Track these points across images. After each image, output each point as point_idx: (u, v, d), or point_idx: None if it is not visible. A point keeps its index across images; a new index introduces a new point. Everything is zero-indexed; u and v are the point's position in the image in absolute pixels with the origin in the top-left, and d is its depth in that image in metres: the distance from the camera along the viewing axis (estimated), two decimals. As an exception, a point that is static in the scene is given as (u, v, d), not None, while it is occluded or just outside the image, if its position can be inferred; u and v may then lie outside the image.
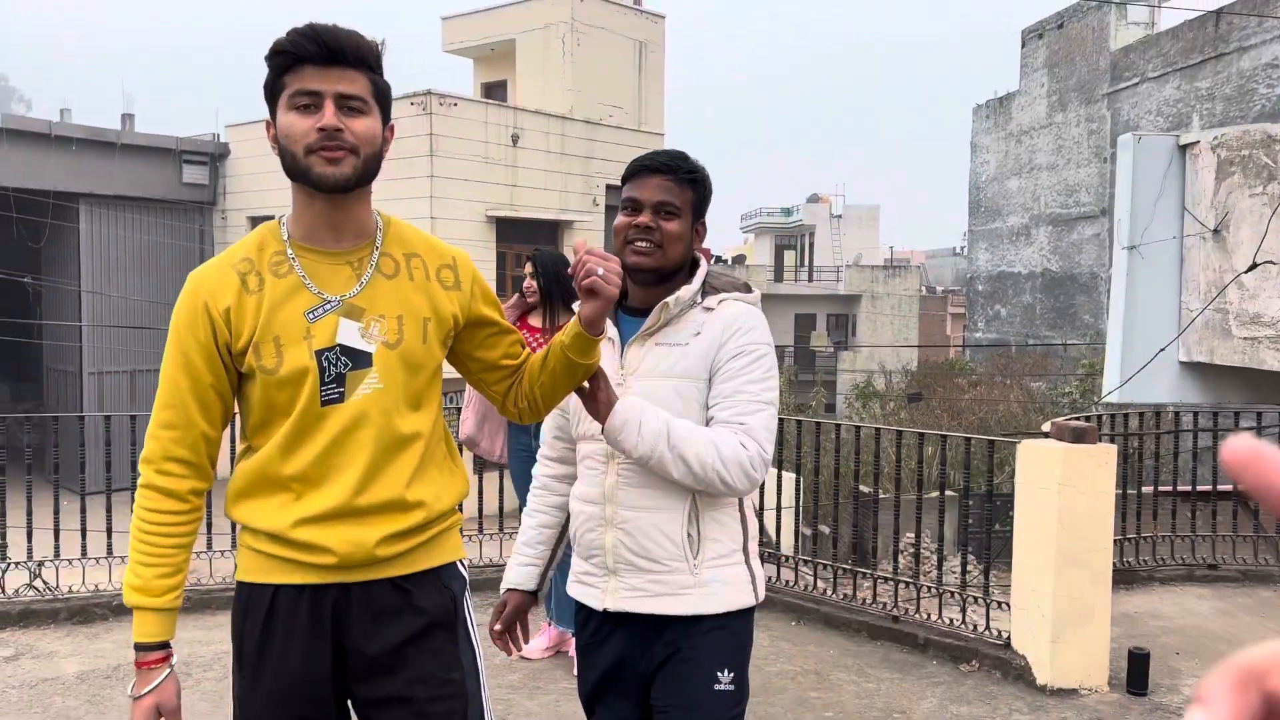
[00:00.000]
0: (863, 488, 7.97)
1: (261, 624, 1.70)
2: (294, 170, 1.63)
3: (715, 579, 1.99)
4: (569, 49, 19.32)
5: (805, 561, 5.71)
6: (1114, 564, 5.59)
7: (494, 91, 20.95)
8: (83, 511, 5.16)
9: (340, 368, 1.66)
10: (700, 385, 1.99)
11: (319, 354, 1.64)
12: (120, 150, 18.31)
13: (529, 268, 4.21)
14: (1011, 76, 24.83)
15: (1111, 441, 5.00)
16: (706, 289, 2.05)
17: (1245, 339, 5.57)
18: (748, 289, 2.11)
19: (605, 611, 2.02)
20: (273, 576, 1.70)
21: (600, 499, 2.02)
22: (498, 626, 2.17)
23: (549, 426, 2.23)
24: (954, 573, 6.47)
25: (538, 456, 2.30)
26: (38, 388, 20.41)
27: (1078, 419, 5.04)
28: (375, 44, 1.68)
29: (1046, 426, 4.46)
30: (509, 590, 2.21)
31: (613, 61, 19.98)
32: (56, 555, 5.13)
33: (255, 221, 19.58)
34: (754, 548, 2.08)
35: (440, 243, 1.84)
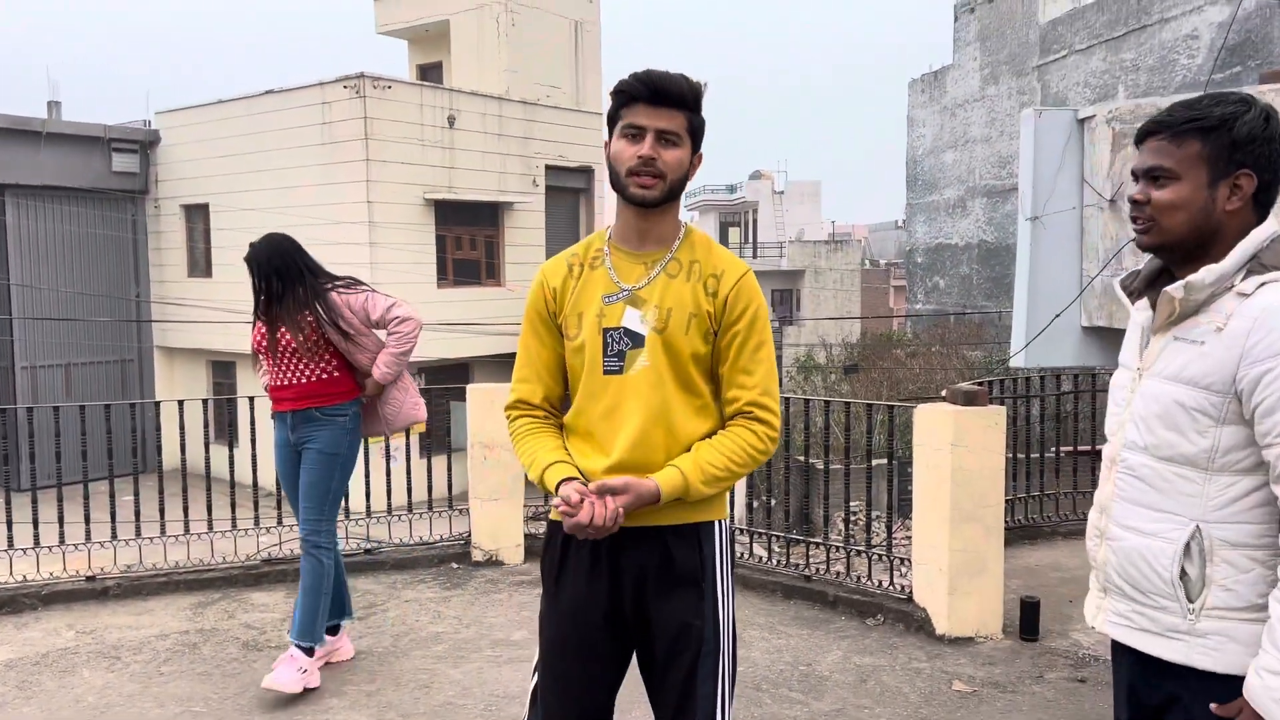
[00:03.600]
0: (803, 459, 8.09)
1: (559, 555, 2.08)
2: (616, 185, 2.03)
3: (1217, 631, 1.61)
4: (504, 29, 19.27)
5: (747, 531, 5.88)
6: (1019, 520, 5.89)
7: (429, 73, 20.82)
8: (7, 504, 5.18)
9: (622, 345, 2.03)
10: (1216, 399, 1.59)
11: (606, 331, 2.04)
12: (46, 139, 17.92)
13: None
14: (947, 51, 25.14)
15: (1002, 404, 5.24)
16: (1254, 267, 1.60)
17: (1140, 303, 5.85)
18: None
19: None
20: None
21: (1100, 507, 1.79)
22: None
23: None
24: (879, 535, 6.71)
25: None
26: (-31, 384, 19.95)
27: (978, 383, 5.29)
28: (699, 86, 2.03)
29: (944, 392, 4.68)
30: None
31: (549, 41, 19.96)
32: (-18, 548, 5.16)
33: (189, 210, 19.25)
34: None
35: (725, 257, 2.09)
